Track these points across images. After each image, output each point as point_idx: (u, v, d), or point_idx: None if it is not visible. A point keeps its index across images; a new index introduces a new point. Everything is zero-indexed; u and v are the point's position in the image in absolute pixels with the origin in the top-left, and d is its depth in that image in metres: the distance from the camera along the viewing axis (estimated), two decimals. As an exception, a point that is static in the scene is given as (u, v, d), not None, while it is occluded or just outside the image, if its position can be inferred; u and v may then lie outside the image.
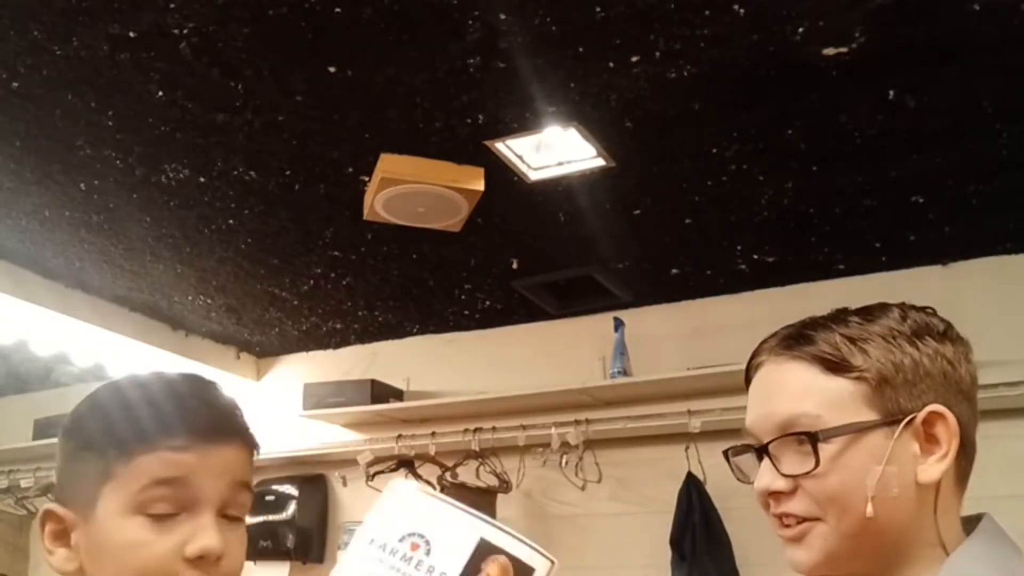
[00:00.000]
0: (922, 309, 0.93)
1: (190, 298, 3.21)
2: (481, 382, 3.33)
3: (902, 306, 0.92)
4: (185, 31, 1.78)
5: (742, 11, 1.70)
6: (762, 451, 0.90)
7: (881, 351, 0.88)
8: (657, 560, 2.80)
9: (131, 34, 1.79)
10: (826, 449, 0.85)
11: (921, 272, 2.85)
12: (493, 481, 3.13)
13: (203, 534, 0.83)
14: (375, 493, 3.09)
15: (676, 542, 2.75)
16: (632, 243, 2.75)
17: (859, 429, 0.85)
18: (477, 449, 3.11)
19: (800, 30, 1.76)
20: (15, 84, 1.96)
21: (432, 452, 3.14)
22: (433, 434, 3.19)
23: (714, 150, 2.22)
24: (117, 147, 2.22)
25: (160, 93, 1.99)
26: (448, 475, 3.09)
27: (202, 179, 2.37)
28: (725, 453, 0.96)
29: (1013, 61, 1.86)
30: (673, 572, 2.74)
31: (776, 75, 1.90)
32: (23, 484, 3.82)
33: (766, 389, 0.92)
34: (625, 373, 3.00)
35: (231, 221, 2.61)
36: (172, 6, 1.70)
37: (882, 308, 0.92)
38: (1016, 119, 2.07)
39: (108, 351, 3.43)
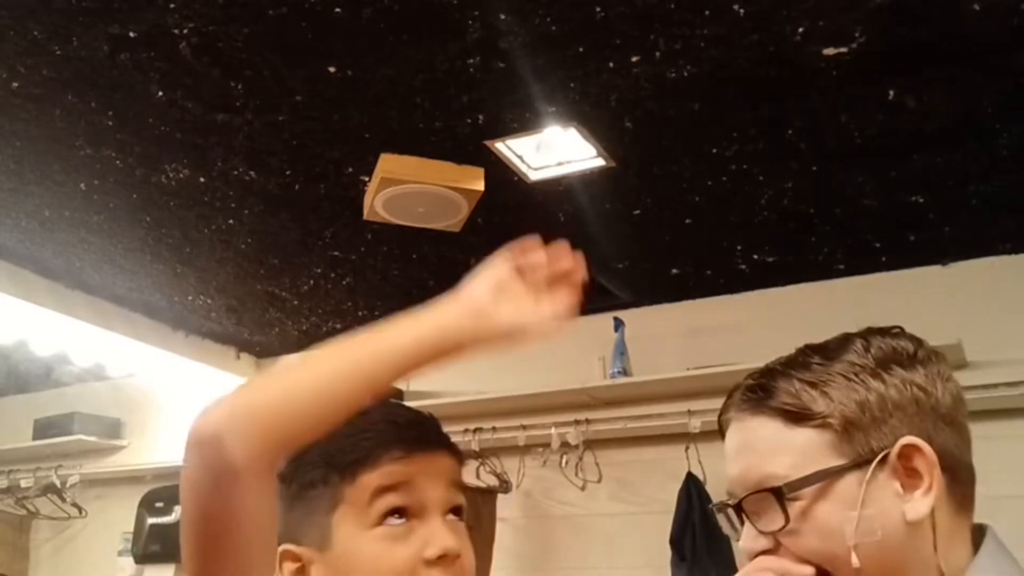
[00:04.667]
0: (888, 332, 0.87)
1: (190, 298, 3.21)
2: (481, 382, 3.32)
3: (866, 335, 0.87)
4: (185, 31, 1.78)
5: (742, 11, 1.70)
6: (737, 509, 0.86)
7: (843, 392, 0.83)
8: (657, 560, 2.80)
9: (131, 34, 1.79)
10: (794, 504, 0.81)
11: (921, 272, 2.85)
12: (493, 481, 3.13)
13: (438, 536, 0.89)
14: (375, 493, 3.10)
15: (676, 542, 2.75)
16: (632, 243, 2.75)
17: (824, 478, 0.81)
18: (477, 449, 3.11)
19: (800, 30, 1.76)
20: (15, 84, 1.96)
21: (432, 452, 3.13)
22: (433, 434, 3.19)
23: (714, 150, 2.22)
24: (117, 147, 2.22)
25: (160, 93, 1.99)
26: (448, 475, 3.09)
27: (202, 179, 2.37)
28: (710, 509, 0.93)
29: (1013, 61, 1.86)
30: (673, 572, 2.74)
31: (776, 75, 1.90)
32: (23, 484, 3.83)
33: (736, 448, 0.88)
34: (625, 373, 2.99)
35: (231, 221, 2.61)
36: (172, 6, 1.70)
37: (843, 342, 0.87)
38: (1016, 119, 2.07)
39: (108, 351, 3.43)
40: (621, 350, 3.03)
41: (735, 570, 2.92)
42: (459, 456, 0.97)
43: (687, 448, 2.83)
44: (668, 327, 3.15)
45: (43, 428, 3.85)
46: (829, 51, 1.82)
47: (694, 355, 2.97)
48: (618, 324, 3.07)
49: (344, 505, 0.90)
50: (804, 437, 0.83)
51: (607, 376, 3.06)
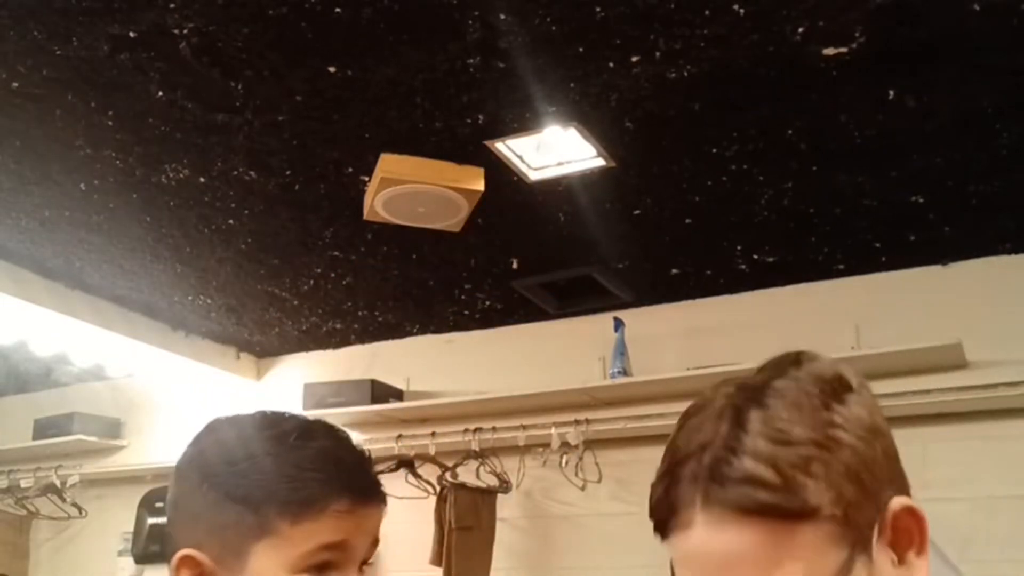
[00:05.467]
0: (797, 361, 0.76)
1: (190, 298, 3.21)
2: (481, 382, 3.33)
3: (786, 369, 0.75)
4: (185, 31, 1.78)
5: (742, 11, 1.70)
6: None
7: (827, 467, 0.69)
8: (657, 560, 2.78)
9: (131, 34, 1.79)
10: None
11: (921, 272, 2.85)
12: (493, 481, 3.13)
13: None
14: (375, 493, 3.10)
15: (676, 542, 2.74)
16: (632, 243, 2.75)
17: None
18: (477, 449, 3.11)
19: (800, 30, 1.76)
20: (15, 84, 1.96)
21: (432, 452, 3.14)
22: (433, 434, 3.19)
23: (714, 150, 2.22)
24: (117, 147, 2.22)
25: (160, 93, 1.99)
26: (448, 475, 3.09)
27: (202, 179, 2.37)
28: None
29: (1013, 61, 1.86)
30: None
31: (776, 75, 1.90)
32: (23, 484, 3.82)
33: (715, 564, 0.70)
34: (625, 373, 2.99)
35: (231, 221, 2.61)
36: (172, 6, 1.70)
37: (775, 389, 0.73)
38: (1016, 119, 2.07)
39: (108, 351, 3.43)
40: (621, 350, 3.03)
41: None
42: (385, 503, 0.95)
43: (687, 448, 2.83)
44: (668, 327, 3.15)
45: (43, 428, 3.85)
46: (829, 51, 1.82)
47: (694, 355, 2.97)
48: (618, 324, 3.07)
49: (273, 538, 0.86)
50: (807, 538, 0.69)
51: (607, 376, 3.06)
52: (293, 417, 0.94)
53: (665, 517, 0.74)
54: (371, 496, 0.92)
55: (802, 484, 0.68)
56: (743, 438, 0.70)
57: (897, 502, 0.72)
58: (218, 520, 0.88)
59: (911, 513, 0.73)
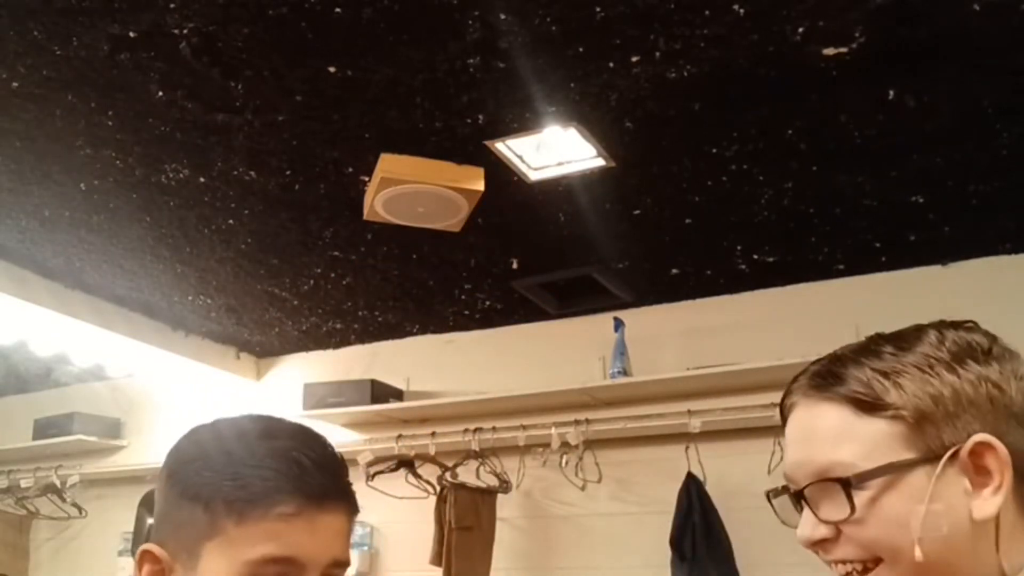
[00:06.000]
0: (961, 325, 0.86)
1: (190, 298, 3.21)
2: (481, 382, 3.33)
3: (940, 327, 0.86)
4: (185, 31, 1.78)
5: (742, 11, 1.70)
6: (798, 496, 0.85)
7: (917, 384, 0.82)
8: (657, 560, 2.80)
9: (131, 34, 1.79)
10: (861, 494, 0.80)
11: (921, 272, 2.85)
12: (493, 481, 3.13)
13: None
14: (375, 493, 3.10)
15: (676, 542, 2.75)
16: (632, 243, 2.75)
17: (894, 470, 0.80)
18: (477, 449, 3.11)
19: (800, 30, 1.76)
20: (15, 84, 1.96)
21: (432, 452, 3.14)
22: (433, 434, 3.19)
23: (714, 150, 2.22)
24: (117, 147, 2.22)
25: (160, 93, 1.99)
26: (448, 475, 3.09)
27: (202, 179, 2.37)
28: (767, 495, 0.91)
29: (1013, 61, 1.86)
30: (673, 572, 2.74)
31: (776, 75, 1.90)
32: (23, 484, 3.83)
33: (800, 434, 0.87)
34: (625, 373, 3.00)
35: (231, 221, 2.61)
36: (172, 6, 1.70)
37: (917, 333, 0.86)
38: (1016, 119, 2.07)
39: (108, 351, 3.44)
40: (621, 350, 3.03)
41: (735, 570, 2.93)
42: (355, 509, 0.89)
43: (687, 448, 2.83)
44: (668, 327, 3.15)
45: (43, 428, 3.85)
46: (829, 51, 1.82)
47: (694, 355, 2.97)
48: (618, 324, 3.08)
49: (222, 539, 0.82)
50: (874, 427, 0.81)
51: (607, 376, 3.06)
52: (270, 419, 0.90)
53: (782, 401, 0.90)
54: (326, 500, 0.85)
55: (884, 387, 0.82)
56: (868, 355, 0.85)
57: (980, 436, 0.80)
58: (176, 517, 0.86)
59: (992, 451, 0.80)
